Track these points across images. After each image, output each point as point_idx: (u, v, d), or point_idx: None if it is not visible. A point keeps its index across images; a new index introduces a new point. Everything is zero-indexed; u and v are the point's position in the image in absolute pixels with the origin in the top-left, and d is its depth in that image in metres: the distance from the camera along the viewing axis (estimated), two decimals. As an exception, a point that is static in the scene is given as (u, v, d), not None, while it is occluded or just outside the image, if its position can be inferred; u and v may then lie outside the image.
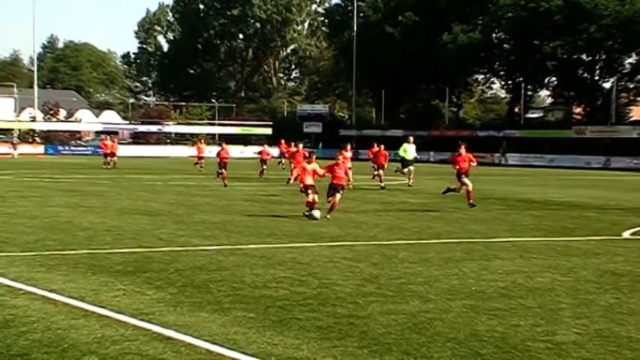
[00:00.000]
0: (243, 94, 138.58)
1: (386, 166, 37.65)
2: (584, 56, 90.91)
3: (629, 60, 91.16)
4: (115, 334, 8.54)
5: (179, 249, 15.08)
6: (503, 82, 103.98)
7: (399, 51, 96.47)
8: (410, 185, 36.20)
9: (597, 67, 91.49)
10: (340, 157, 21.96)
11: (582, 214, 24.14)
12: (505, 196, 31.62)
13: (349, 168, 24.60)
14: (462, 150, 25.81)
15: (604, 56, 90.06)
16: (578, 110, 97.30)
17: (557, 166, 72.45)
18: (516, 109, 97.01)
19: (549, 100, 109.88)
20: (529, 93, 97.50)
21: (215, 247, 15.30)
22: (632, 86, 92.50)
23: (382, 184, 35.55)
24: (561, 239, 17.69)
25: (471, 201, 25.23)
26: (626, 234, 18.79)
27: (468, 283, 11.86)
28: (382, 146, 39.14)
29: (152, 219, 20.49)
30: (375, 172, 38.29)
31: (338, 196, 21.45)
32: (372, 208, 24.89)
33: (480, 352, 8.08)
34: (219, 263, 13.37)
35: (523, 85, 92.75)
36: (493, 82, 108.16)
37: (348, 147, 33.64)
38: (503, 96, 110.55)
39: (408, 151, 37.69)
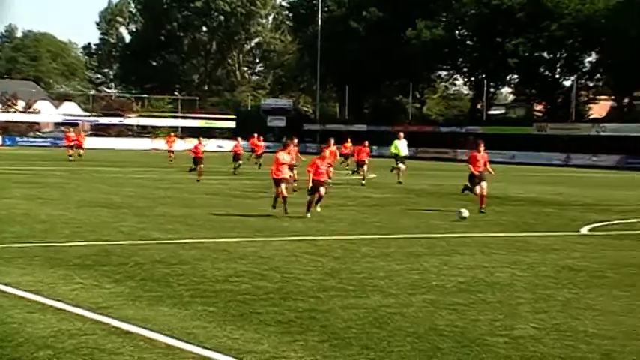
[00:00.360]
0: (206, 87, 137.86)
1: (367, 162, 36.45)
2: (545, 54, 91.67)
3: (589, 59, 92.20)
4: (72, 328, 8.44)
5: (139, 242, 14.98)
6: (466, 79, 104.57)
7: (363, 46, 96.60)
8: (400, 182, 35.01)
9: (558, 65, 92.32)
10: (327, 152, 21.55)
11: (542, 211, 24.34)
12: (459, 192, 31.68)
13: (330, 165, 24.41)
14: (481, 148, 23.77)
15: (565, 54, 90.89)
16: (539, 107, 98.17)
17: (519, 163, 72.93)
18: (479, 106, 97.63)
19: (511, 97, 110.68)
20: (491, 90, 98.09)
21: (176, 241, 15.22)
22: (591, 84, 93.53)
23: (364, 181, 34.82)
24: (521, 235, 17.83)
25: (482, 207, 22.97)
26: (584, 230, 18.98)
27: (429, 278, 11.90)
28: (366, 142, 38.24)
29: (112, 212, 20.34)
30: (355, 169, 37.53)
31: (322, 190, 20.63)
32: (334, 202, 24.89)
33: (439, 346, 8.11)
34: (179, 257, 13.30)
35: (486, 81, 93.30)
36: (456, 79, 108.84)
37: (332, 142, 31.83)
38: (466, 92, 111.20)
39: (400, 147, 37.06)
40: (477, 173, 23.38)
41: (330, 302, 10.02)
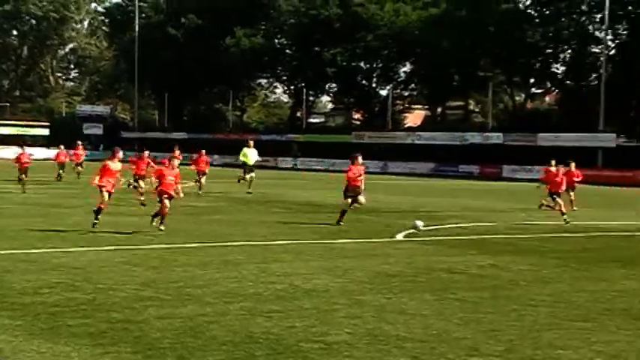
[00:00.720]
0: (18, 93, 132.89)
1: (207, 172, 34.82)
2: (362, 64, 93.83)
3: (404, 69, 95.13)
4: None
5: (-57, 255, 14.23)
6: (285, 87, 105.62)
7: (182, 53, 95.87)
8: (249, 193, 33.85)
9: (375, 74, 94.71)
10: (175, 160, 19.67)
11: (359, 217, 24.79)
12: (285, 200, 32.04)
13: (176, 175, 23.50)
14: (358, 160, 23.12)
15: (381, 65, 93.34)
16: (357, 116, 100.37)
17: (338, 170, 74.10)
18: (299, 114, 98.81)
19: (330, 105, 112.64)
20: (311, 98, 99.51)
21: (-17, 253, 14.55)
22: (406, 94, 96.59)
23: (200, 192, 32.74)
24: (338, 241, 18.10)
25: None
26: (400, 236, 19.47)
27: (247, 286, 11.88)
28: (203, 151, 35.82)
29: None
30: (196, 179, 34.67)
31: (167, 203, 18.94)
32: (153, 211, 24.46)
33: (255, 353, 8.10)
34: (-14, 269, 12.72)
35: (305, 90, 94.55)
36: (276, 87, 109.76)
37: (177, 152, 30.10)
38: (286, 101, 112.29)
39: (249, 155, 35.69)
40: (350, 187, 22.44)
41: (145, 312, 9.83)
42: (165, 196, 19.05)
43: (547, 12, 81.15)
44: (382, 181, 56.62)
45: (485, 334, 9.15)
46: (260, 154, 37.64)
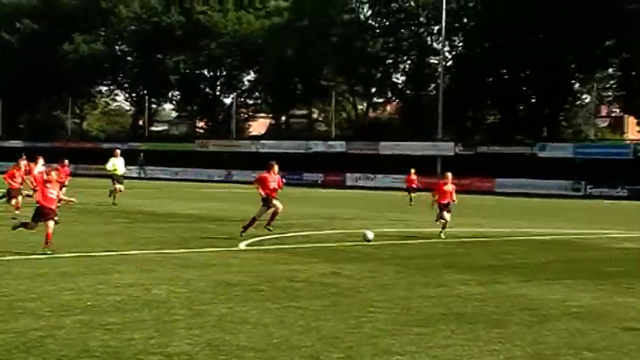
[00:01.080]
0: None
1: (67, 183, 31.33)
2: (206, 72, 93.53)
3: (248, 77, 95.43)
4: None
5: None
6: (127, 95, 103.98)
7: (17, 59, 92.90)
8: (114, 204, 32.62)
9: (218, 82, 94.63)
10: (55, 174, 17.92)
11: (203, 226, 24.65)
12: (128, 209, 31.39)
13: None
14: (275, 169, 21.65)
15: (224, 73, 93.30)
16: (201, 124, 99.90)
17: (182, 179, 73.61)
18: (141, 122, 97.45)
19: (174, 113, 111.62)
20: (154, 106, 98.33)
21: None
22: (251, 102, 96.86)
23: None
24: (181, 251, 17.89)
25: (271, 223, 21.43)
26: (242, 245, 19.42)
27: (84, 298, 11.55)
28: (66, 161, 32.70)
29: None
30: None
31: (51, 224, 16.76)
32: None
33: (91, 369, 7.87)
34: None
35: (147, 97, 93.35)
36: (117, 94, 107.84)
37: (66, 162, 27.69)
38: (127, 108, 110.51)
39: (118, 165, 34.32)
40: (264, 195, 21.27)
41: (-26, 329, 9.40)
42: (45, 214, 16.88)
43: (387, 23, 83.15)
44: (226, 189, 56.51)
45: (325, 341, 9.21)
46: (100, 162, 36.47)
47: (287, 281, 13.74)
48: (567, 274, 15.66)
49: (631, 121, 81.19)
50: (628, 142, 72.37)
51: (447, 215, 22.76)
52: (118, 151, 35.72)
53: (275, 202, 21.22)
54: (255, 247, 19.06)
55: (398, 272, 15.20)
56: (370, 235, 20.57)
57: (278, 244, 19.82)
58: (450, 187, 23.25)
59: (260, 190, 21.35)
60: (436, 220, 23.15)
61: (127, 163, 36.91)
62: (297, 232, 23.46)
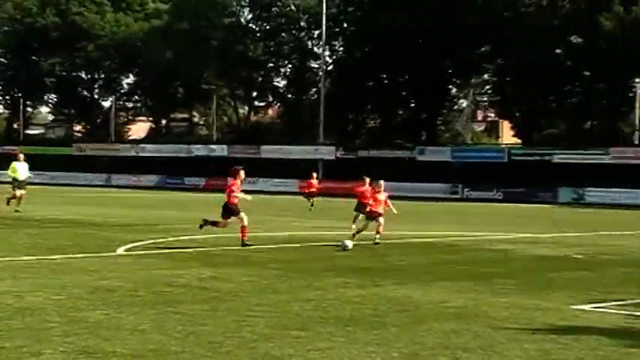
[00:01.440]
0: None
1: None
2: (83, 74, 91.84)
3: (127, 80, 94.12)
4: None
5: None
6: (1, 97, 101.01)
7: None
8: (17, 211, 30.80)
9: (96, 85, 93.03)
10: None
11: (80, 232, 24.14)
12: (2, 215, 30.46)
13: None
14: (240, 175, 20.61)
15: (103, 75, 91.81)
16: (79, 128, 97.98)
17: (59, 184, 71.94)
18: (15, 125, 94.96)
19: (50, 117, 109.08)
20: (29, 109, 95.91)
21: None
22: (130, 105, 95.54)
23: None
24: (57, 257, 17.48)
25: (245, 237, 20.36)
26: (121, 250, 19.11)
27: (-47, 308, 11.16)
28: None
29: None
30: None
31: None
32: None
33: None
34: None
35: (22, 100, 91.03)
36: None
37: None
38: (1, 112, 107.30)
39: (19, 170, 32.33)
40: (231, 205, 20.30)
41: None
42: None
43: (268, 27, 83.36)
44: (105, 194, 55.58)
45: (204, 346, 9.14)
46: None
47: (166, 286, 13.58)
48: (445, 275, 15.98)
49: (506, 125, 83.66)
50: (503, 145, 74.63)
51: (381, 219, 22.13)
52: (22, 155, 33.59)
53: (242, 214, 20.29)
54: (133, 252, 18.78)
55: (278, 276, 15.20)
56: (349, 244, 20.15)
57: (157, 249, 19.59)
58: (382, 195, 22.73)
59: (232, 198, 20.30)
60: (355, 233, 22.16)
61: (0, 168, 35.64)
62: (178, 236, 23.23)
